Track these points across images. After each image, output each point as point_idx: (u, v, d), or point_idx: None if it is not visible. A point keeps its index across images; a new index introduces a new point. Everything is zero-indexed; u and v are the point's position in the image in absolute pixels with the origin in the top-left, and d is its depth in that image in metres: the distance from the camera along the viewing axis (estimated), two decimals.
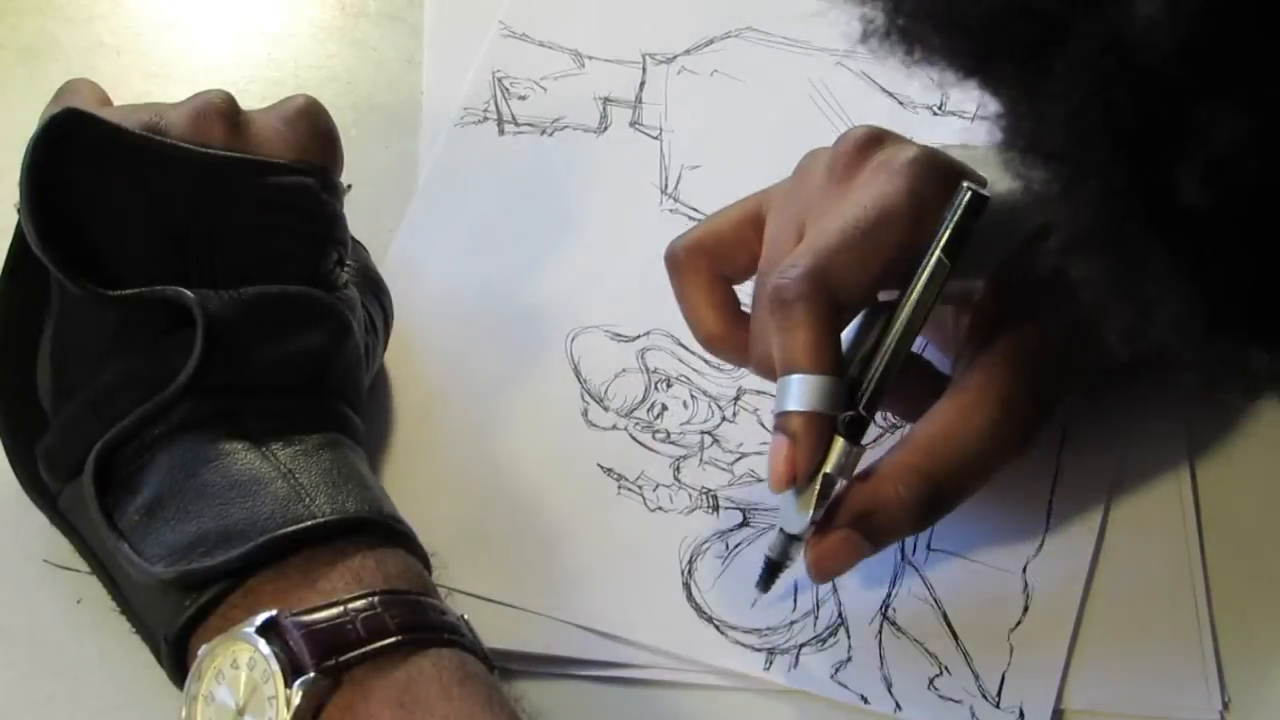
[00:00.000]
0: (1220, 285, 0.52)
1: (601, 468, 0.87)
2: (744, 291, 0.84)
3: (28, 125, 0.75)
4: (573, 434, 0.88)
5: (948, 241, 0.74)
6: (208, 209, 0.75)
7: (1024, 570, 0.84)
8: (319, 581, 0.68)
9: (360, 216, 0.89)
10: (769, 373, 0.78)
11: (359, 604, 0.67)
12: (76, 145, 0.73)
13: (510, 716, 0.68)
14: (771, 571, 0.78)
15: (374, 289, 0.85)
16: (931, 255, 0.74)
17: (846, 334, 0.77)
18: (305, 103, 0.81)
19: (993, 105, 0.54)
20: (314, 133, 0.80)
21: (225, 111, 0.77)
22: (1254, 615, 0.83)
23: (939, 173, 0.76)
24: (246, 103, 0.79)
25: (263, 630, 0.66)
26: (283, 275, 0.76)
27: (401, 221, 0.95)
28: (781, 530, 0.77)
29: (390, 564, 0.70)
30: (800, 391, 0.74)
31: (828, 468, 0.74)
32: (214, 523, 0.69)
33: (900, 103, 1.02)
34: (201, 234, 0.74)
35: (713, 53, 1.05)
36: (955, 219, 0.74)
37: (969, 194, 0.74)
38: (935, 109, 1.01)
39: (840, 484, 0.75)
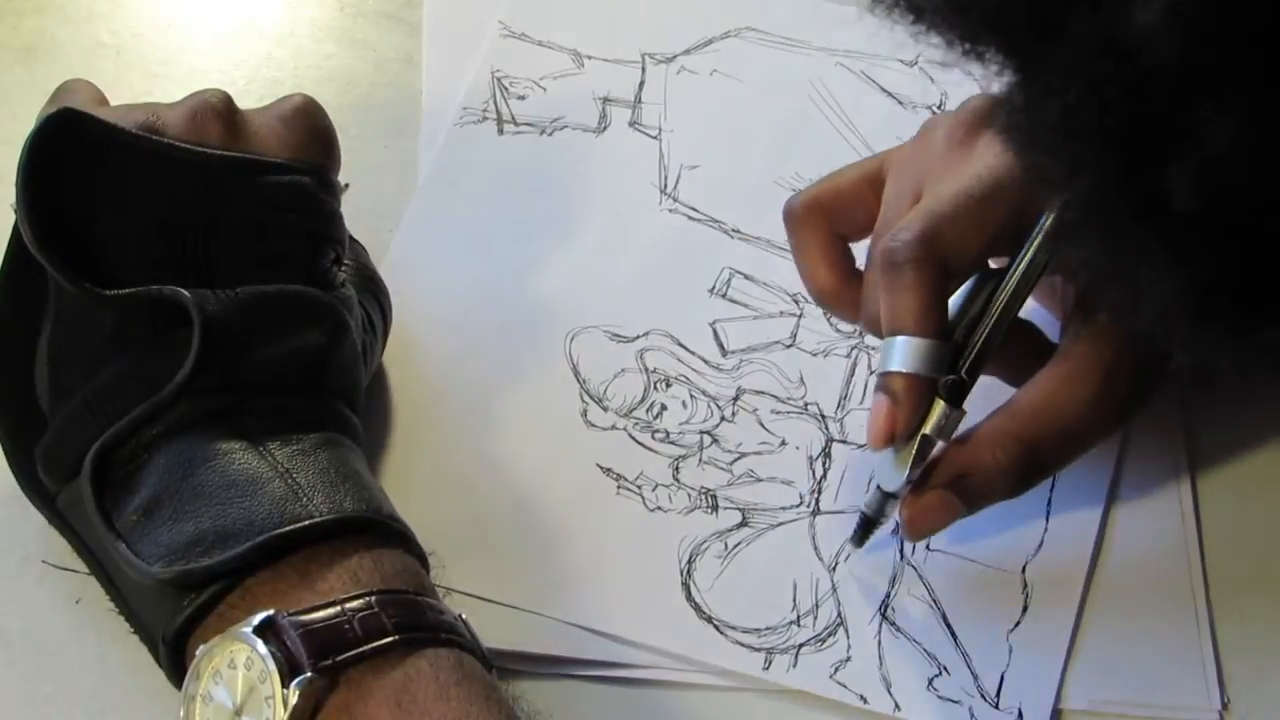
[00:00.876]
0: (1208, 276, 0.53)
1: (600, 468, 0.87)
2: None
3: (28, 125, 0.74)
4: (572, 434, 0.88)
5: None
6: (204, 208, 0.75)
7: (1023, 571, 0.84)
8: (317, 581, 0.68)
9: (359, 216, 0.90)
10: (878, 332, 0.80)
11: (356, 604, 0.67)
12: (72, 145, 0.73)
13: (508, 716, 0.68)
14: (866, 527, 0.80)
15: (372, 288, 0.85)
16: (1042, 227, 0.75)
17: (954, 299, 0.78)
18: (302, 102, 0.81)
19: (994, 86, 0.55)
20: (311, 132, 0.80)
21: (222, 111, 0.77)
22: (1253, 615, 0.84)
23: None
24: (246, 102, 0.79)
25: (260, 630, 0.65)
26: (279, 274, 0.75)
27: (401, 221, 0.95)
28: (878, 487, 0.79)
29: (388, 563, 0.70)
30: (904, 353, 0.75)
31: (927, 429, 0.76)
32: (211, 523, 0.69)
33: (900, 103, 1.02)
34: (198, 233, 0.74)
35: (712, 53, 1.05)
36: None
37: None
38: (934, 109, 1.01)
39: (939, 446, 0.76)
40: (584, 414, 0.88)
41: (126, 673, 0.77)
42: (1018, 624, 0.82)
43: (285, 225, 0.77)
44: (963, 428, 0.77)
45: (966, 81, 0.98)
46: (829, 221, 0.84)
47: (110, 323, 0.73)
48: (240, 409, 0.73)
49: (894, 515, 0.79)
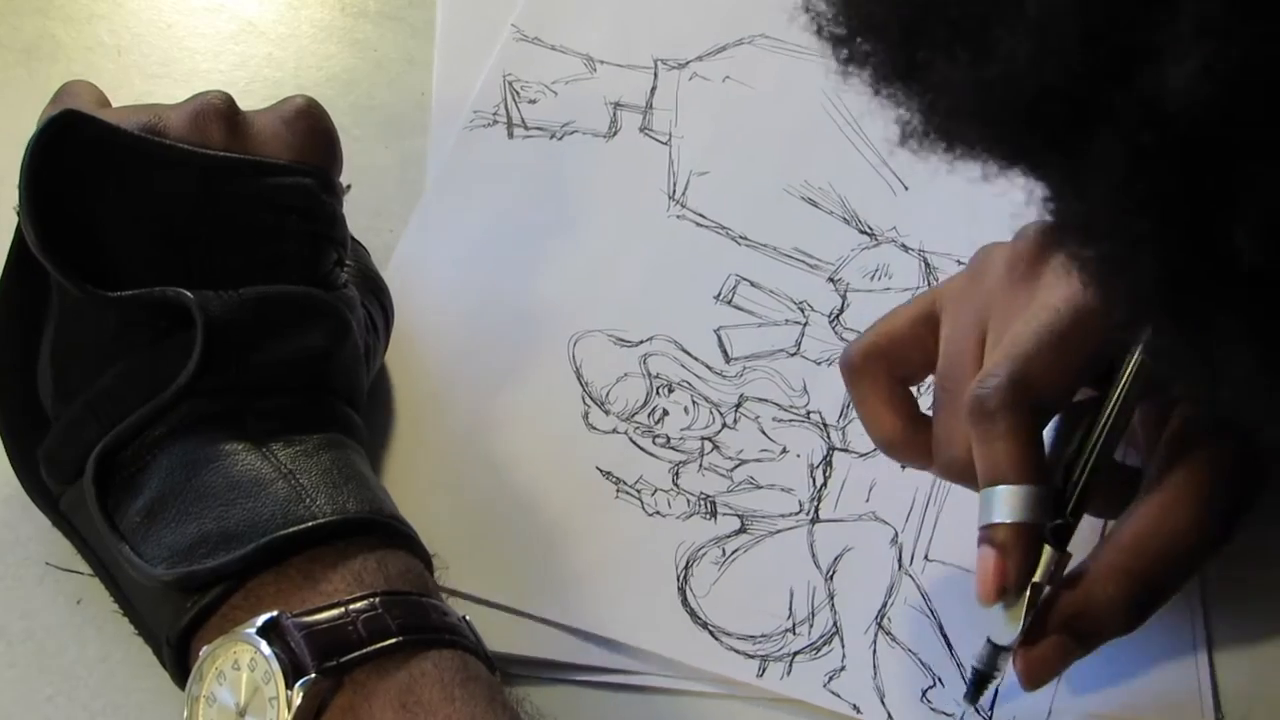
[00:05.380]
0: None
1: (600, 471, 0.91)
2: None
3: (28, 125, 0.77)
4: (573, 437, 0.92)
5: None
6: (207, 210, 0.78)
7: None
8: (320, 582, 0.71)
9: (360, 216, 0.94)
10: (956, 476, 0.82)
11: (360, 605, 0.70)
12: (75, 147, 0.76)
13: (512, 718, 0.71)
14: (980, 684, 0.80)
15: (374, 289, 0.88)
16: (1134, 355, 0.77)
17: (1047, 435, 0.80)
18: (304, 103, 0.84)
19: (1039, 191, 0.55)
20: (313, 133, 0.83)
21: (224, 112, 0.80)
22: (1250, 630, 0.88)
23: None
24: (247, 103, 0.81)
25: (264, 631, 0.68)
26: (282, 275, 0.79)
27: (406, 222, 1.00)
28: (989, 641, 0.79)
29: (391, 564, 0.73)
30: (1007, 503, 0.76)
31: (1036, 577, 0.77)
32: (215, 524, 0.72)
33: None
34: (201, 234, 0.77)
35: (725, 59, 1.10)
36: None
37: None
38: None
39: (1046, 590, 0.77)
40: (585, 417, 0.93)
41: (128, 673, 0.80)
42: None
43: (287, 227, 0.80)
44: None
45: None
46: (889, 368, 0.85)
47: (113, 324, 0.76)
48: (243, 410, 0.76)
49: (1006, 668, 0.79)
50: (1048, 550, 0.77)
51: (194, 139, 0.79)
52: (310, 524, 0.73)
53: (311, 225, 0.82)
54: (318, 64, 1.08)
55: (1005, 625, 0.78)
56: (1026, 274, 0.81)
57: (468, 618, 0.75)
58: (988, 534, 0.77)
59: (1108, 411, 0.78)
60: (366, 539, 0.74)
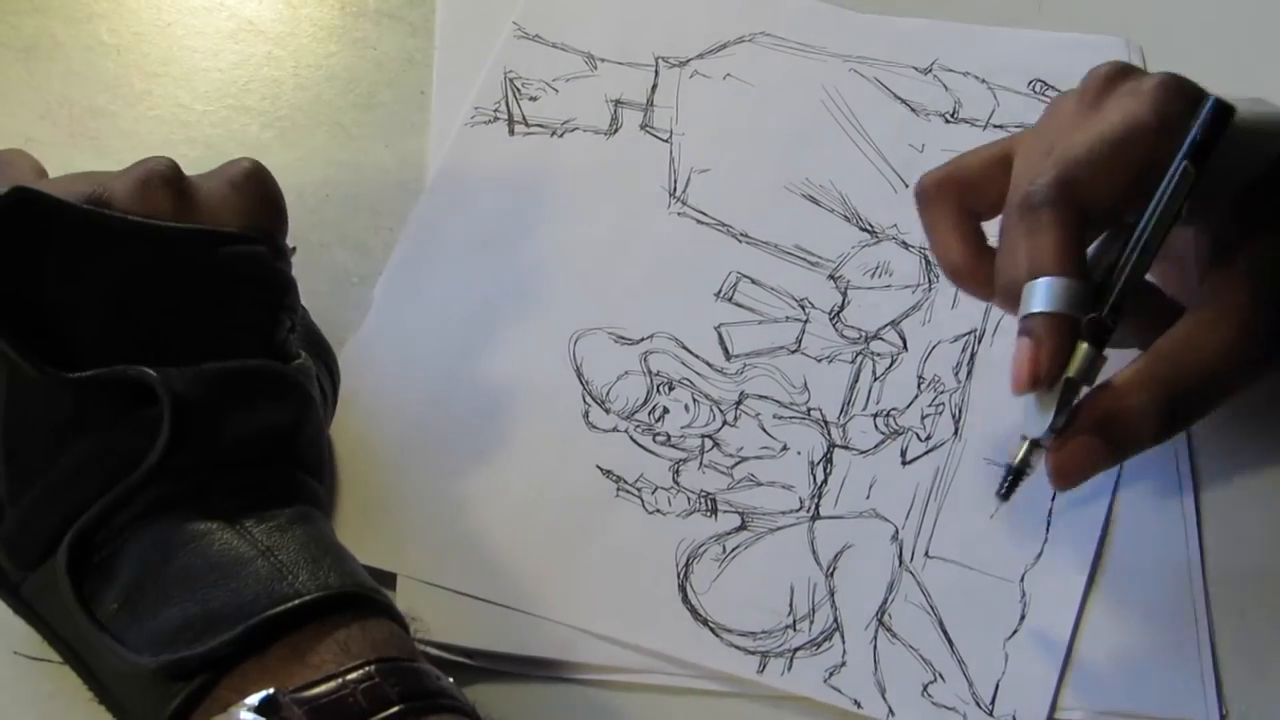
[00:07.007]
0: None
1: (601, 469, 0.91)
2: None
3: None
4: (573, 435, 0.93)
5: (1193, 148, 0.80)
6: (161, 283, 0.75)
7: (1021, 580, 0.89)
8: (307, 654, 0.69)
9: (360, 216, 0.96)
10: (1013, 302, 0.83)
11: (355, 675, 0.68)
12: (24, 224, 0.73)
13: None
14: (1015, 480, 0.82)
15: (319, 351, 0.87)
16: (1178, 164, 0.80)
17: (1091, 250, 0.83)
18: (250, 166, 0.81)
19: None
20: (262, 198, 0.80)
21: (170, 179, 0.77)
22: (1254, 628, 0.88)
23: (1187, 95, 0.82)
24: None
25: (262, 710, 0.66)
26: (239, 347, 0.76)
27: (407, 220, 1.00)
28: (1023, 437, 0.82)
29: (375, 632, 0.71)
30: (1045, 293, 0.79)
31: (1070, 372, 0.79)
32: (198, 607, 0.70)
33: (913, 110, 1.08)
34: (155, 308, 0.75)
35: (726, 57, 1.11)
36: (1201, 125, 0.80)
37: (1214, 102, 0.80)
38: (948, 117, 1.08)
39: (1083, 391, 0.80)
40: (586, 415, 0.93)
41: None
42: (1015, 632, 0.87)
43: (243, 297, 0.78)
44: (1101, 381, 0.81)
45: (979, 89, 1.06)
46: (960, 197, 0.89)
47: (69, 404, 0.73)
48: (213, 487, 0.74)
49: (1040, 465, 0.81)
50: (1085, 348, 0.79)
51: (141, 209, 0.76)
52: (296, 602, 0.70)
53: (266, 294, 0.80)
54: (317, 63, 1.09)
55: (1039, 418, 0.81)
56: (1093, 103, 0.85)
57: (452, 680, 0.73)
58: (1026, 324, 0.80)
59: (1148, 216, 0.81)
60: (349, 612, 0.72)
